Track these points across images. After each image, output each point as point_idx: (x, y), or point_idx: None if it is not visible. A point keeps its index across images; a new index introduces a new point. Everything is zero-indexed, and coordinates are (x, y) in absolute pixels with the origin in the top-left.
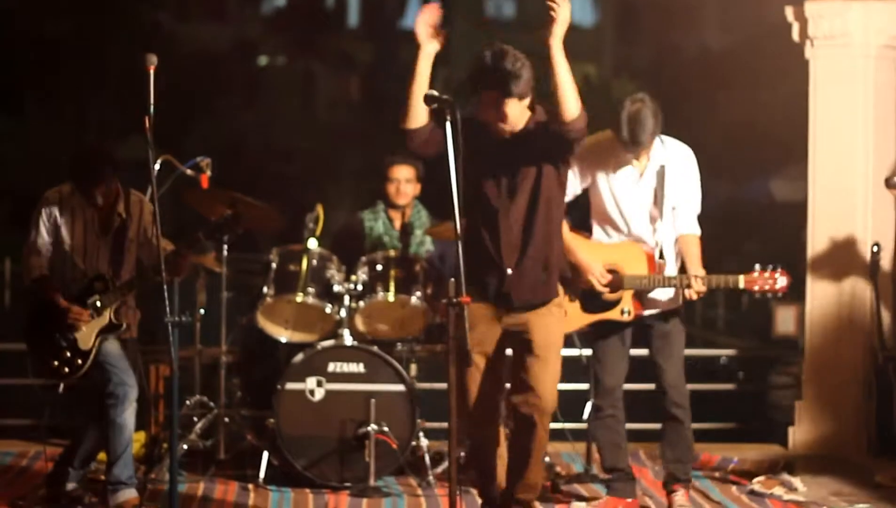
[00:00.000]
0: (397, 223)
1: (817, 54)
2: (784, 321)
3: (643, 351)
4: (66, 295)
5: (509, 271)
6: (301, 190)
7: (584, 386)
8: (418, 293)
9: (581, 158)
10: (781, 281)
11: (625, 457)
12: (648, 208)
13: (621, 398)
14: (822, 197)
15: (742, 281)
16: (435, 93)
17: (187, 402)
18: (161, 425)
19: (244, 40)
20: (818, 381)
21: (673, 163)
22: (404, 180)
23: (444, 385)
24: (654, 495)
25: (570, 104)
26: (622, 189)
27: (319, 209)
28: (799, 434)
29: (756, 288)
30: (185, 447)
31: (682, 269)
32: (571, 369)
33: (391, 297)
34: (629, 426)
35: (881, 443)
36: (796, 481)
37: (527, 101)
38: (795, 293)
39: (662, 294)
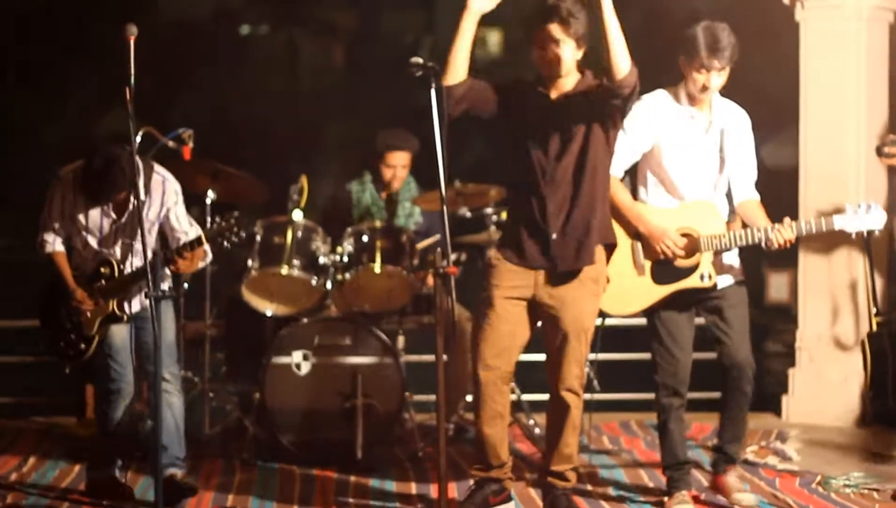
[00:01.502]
0: (385, 194)
1: (808, 17)
2: (777, 287)
3: (640, 321)
4: (78, 274)
5: (554, 235)
6: (285, 161)
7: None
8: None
9: (639, 120)
10: (878, 216)
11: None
12: (710, 170)
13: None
14: (814, 162)
15: (836, 222)
16: (419, 60)
17: None
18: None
19: (225, 9)
20: (811, 349)
21: (731, 123)
22: (401, 166)
23: (432, 358)
24: (650, 469)
25: (622, 59)
26: (684, 150)
27: (304, 180)
28: (792, 403)
29: (852, 229)
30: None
31: None
32: None
33: (377, 268)
34: (619, 395)
35: (875, 411)
36: (790, 450)
37: (579, 53)
38: (788, 259)
39: (735, 260)
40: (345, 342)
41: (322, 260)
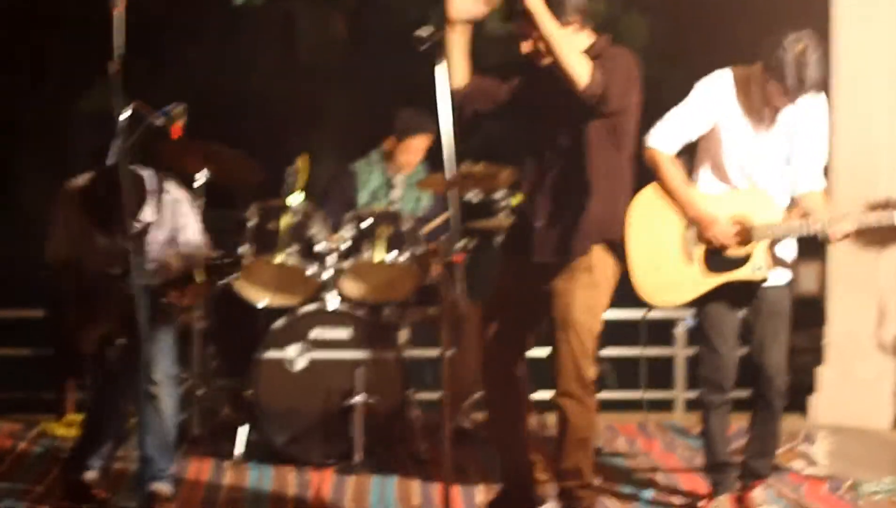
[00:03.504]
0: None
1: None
2: (806, 278)
3: (660, 313)
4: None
5: (537, 224)
6: (283, 140)
7: None
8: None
9: (699, 98)
10: None
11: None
12: (773, 159)
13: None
14: (844, 152)
15: None
16: (424, 32)
17: None
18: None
19: None
20: (841, 346)
21: (803, 109)
22: (421, 151)
23: (436, 352)
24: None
25: (573, 72)
26: (746, 135)
27: (302, 161)
28: (820, 403)
29: None
30: None
31: None
32: None
33: (378, 256)
34: (634, 394)
35: None
36: (817, 453)
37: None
38: (817, 250)
39: (789, 254)
40: (343, 336)
41: (320, 247)
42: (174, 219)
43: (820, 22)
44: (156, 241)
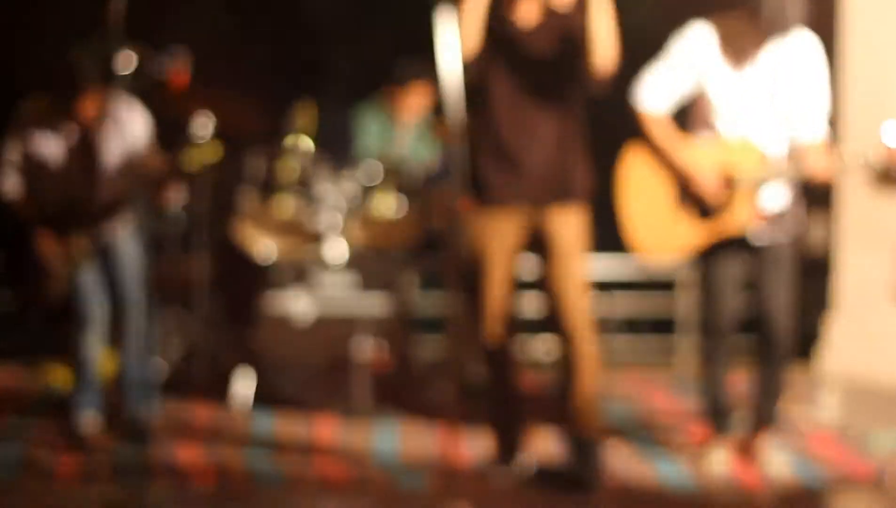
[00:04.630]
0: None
1: None
2: (816, 229)
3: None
4: (42, 217)
5: (532, 170)
6: (286, 87)
7: None
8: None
9: (679, 59)
10: None
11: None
12: (762, 103)
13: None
14: (858, 109)
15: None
16: None
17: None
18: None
19: None
20: (851, 295)
21: (794, 54)
22: (422, 100)
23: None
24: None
25: (606, 60)
26: (732, 87)
27: (307, 107)
28: (830, 353)
29: None
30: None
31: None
32: None
33: (384, 205)
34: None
35: None
36: (827, 405)
37: None
38: (824, 201)
39: (786, 206)
40: (348, 284)
41: (324, 196)
42: (130, 128)
43: None
44: (108, 149)
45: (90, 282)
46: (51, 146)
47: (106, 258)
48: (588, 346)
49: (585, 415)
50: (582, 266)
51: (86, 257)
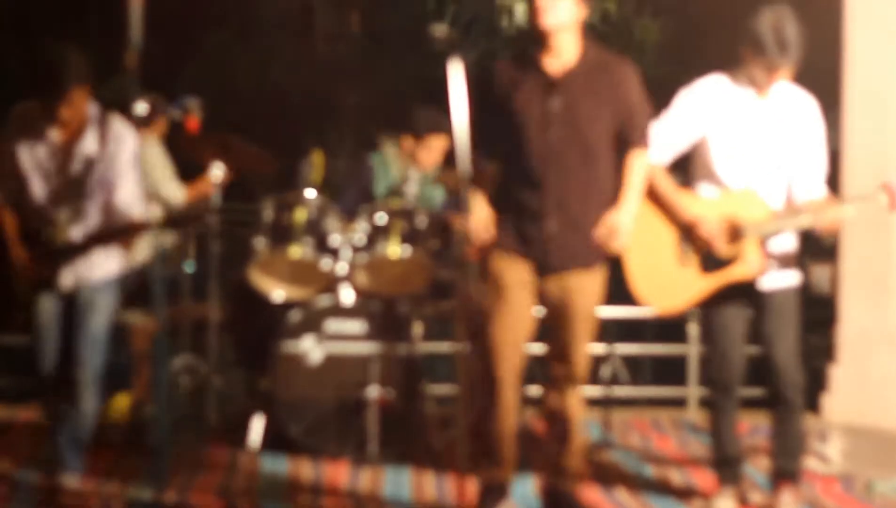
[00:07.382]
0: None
1: None
2: (819, 279)
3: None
4: (22, 230)
5: (551, 229)
6: (298, 132)
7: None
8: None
9: (687, 108)
10: None
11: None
12: (766, 165)
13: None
14: (858, 145)
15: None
16: (440, 32)
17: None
18: (147, 387)
19: None
20: (854, 343)
21: (796, 113)
22: (440, 151)
23: (451, 347)
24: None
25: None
26: (737, 141)
27: (317, 155)
28: (833, 401)
29: None
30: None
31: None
32: None
33: (393, 250)
34: (647, 390)
35: None
36: (831, 452)
37: (577, 10)
38: (830, 251)
39: (784, 249)
40: (357, 329)
41: (335, 241)
42: (115, 148)
43: (835, 11)
44: (97, 175)
45: (50, 329)
46: (37, 155)
47: (73, 306)
48: (580, 404)
49: (573, 469)
50: (594, 328)
51: (47, 287)
